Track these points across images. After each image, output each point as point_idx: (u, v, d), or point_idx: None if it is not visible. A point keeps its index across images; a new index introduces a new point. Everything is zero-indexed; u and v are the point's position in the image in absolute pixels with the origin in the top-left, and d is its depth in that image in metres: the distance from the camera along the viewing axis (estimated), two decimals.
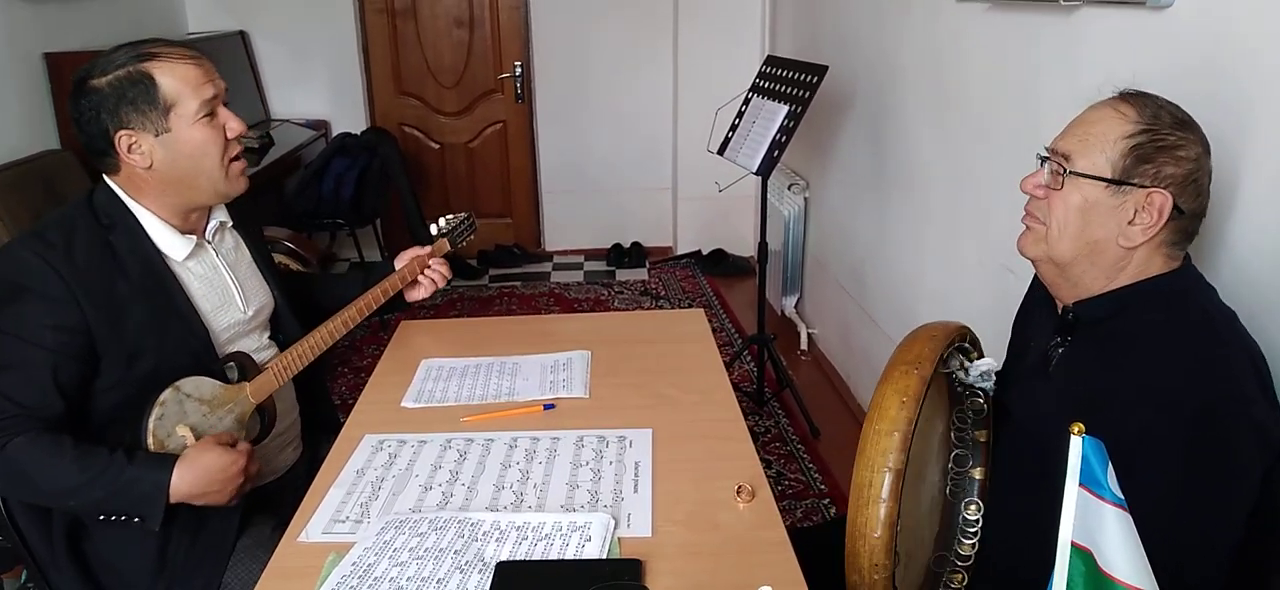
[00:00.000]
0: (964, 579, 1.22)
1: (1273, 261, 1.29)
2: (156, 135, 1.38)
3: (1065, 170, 1.13)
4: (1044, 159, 1.19)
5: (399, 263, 1.81)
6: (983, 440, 1.25)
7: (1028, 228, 1.21)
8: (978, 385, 1.21)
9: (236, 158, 1.48)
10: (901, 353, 1.09)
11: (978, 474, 1.25)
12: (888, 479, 0.99)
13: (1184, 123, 1.11)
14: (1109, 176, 1.10)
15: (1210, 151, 1.12)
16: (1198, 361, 1.05)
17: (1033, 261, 1.23)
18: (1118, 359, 1.12)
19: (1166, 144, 1.08)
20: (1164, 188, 1.08)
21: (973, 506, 1.22)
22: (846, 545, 1.01)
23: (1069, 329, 1.21)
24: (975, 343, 1.22)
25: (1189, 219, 1.11)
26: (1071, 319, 1.19)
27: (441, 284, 1.86)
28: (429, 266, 1.84)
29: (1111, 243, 1.12)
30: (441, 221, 1.93)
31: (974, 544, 1.21)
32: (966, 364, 1.20)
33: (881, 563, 0.99)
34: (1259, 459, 1.04)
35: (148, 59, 1.38)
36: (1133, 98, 1.12)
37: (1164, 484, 1.02)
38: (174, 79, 1.38)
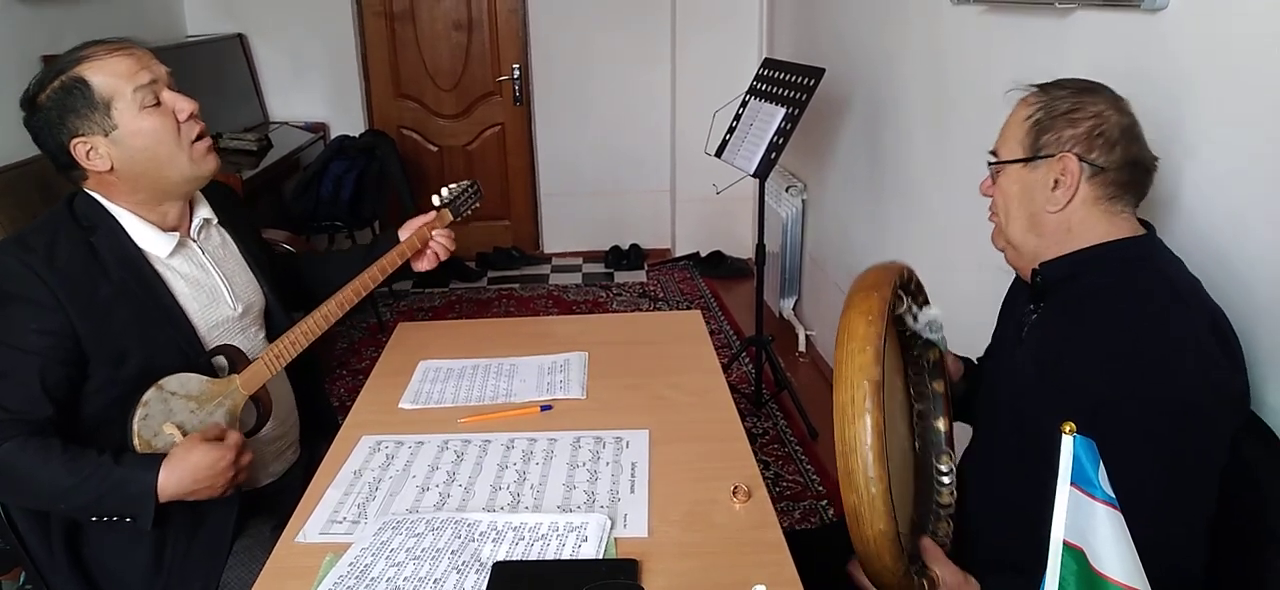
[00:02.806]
0: (949, 527, 1.27)
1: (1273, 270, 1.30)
2: (106, 135, 1.37)
3: (994, 164, 1.29)
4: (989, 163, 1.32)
5: (403, 233, 1.74)
6: (940, 391, 1.32)
7: (993, 225, 1.34)
8: (926, 334, 1.27)
9: (198, 137, 1.46)
10: (857, 283, 1.15)
11: (941, 425, 1.32)
12: (868, 389, 1.00)
13: (1084, 89, 1.22)
14: (1023, 157, 1.24)
15: (1119, 106, 1.20)
16: (1153, 324, 1.10)
17: (1002, 253, 1.34)
18: (1077, 322, 1.18)
19: (1060, 112, 1.20)
20: (1068, 150, 1.19)
21: (944, 457, 1.29)
22: (839, 465, 1.02)
23: (1040, 296, 1.28)
24: (920, 288, 1.28)
25: (1115, 171, 1.18)
26: (1039, 283, 1.27)
27: (444, 257, 1.78)
28: (433, 238, 1.76)
29: (1044, 212, 1.23)
30: (443, 192, 1.81)
31: (951, 492, 1.29)
32: (914, 310, 1.25)
33: (877, 474, 0.99)
34: (1226, 421, 1.09)
35: (78, 63, 1.37)
36: (1038, 87, 1.26)
37: (1128, 449, 1.03)
38: (105, 74, 1.37)
